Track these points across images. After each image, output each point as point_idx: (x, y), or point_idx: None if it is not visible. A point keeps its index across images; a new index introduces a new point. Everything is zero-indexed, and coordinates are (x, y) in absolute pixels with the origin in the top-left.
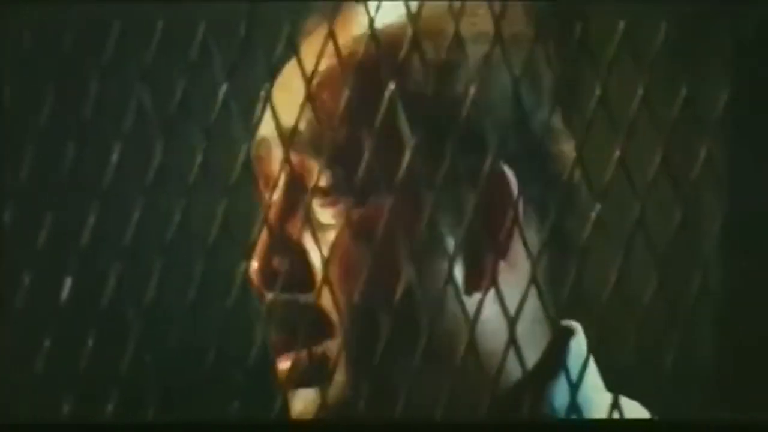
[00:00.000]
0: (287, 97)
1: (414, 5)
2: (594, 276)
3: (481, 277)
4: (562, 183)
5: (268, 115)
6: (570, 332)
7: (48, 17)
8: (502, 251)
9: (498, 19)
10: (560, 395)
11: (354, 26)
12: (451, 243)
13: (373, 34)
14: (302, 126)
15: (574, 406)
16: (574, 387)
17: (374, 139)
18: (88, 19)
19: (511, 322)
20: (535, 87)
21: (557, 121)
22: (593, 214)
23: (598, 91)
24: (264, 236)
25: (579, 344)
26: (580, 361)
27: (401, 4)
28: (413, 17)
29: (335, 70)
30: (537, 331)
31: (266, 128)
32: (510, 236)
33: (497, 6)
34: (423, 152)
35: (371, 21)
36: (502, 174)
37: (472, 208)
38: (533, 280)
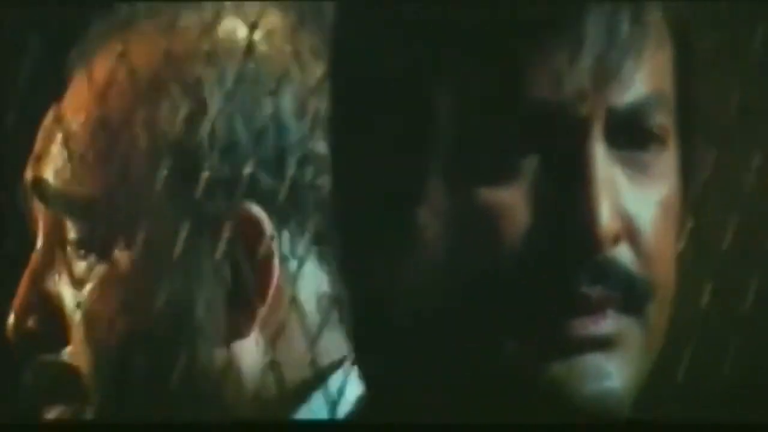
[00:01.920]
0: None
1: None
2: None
3: (240, 323)
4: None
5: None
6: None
7: None
8: (261, 293)
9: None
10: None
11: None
12: (208, 292)
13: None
14: (49, 178)
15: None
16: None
17: (116, 191)
18: None
19: None
20: (300, 116)
21: (323, 147)
22: None
23: None
24: (21, 292)
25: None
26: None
27: None
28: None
29: (82, 118)
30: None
31: (27, 173)
32: (266, 281)
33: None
34: (174, 199)
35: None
36: (251, 215)
37: (222, 253)
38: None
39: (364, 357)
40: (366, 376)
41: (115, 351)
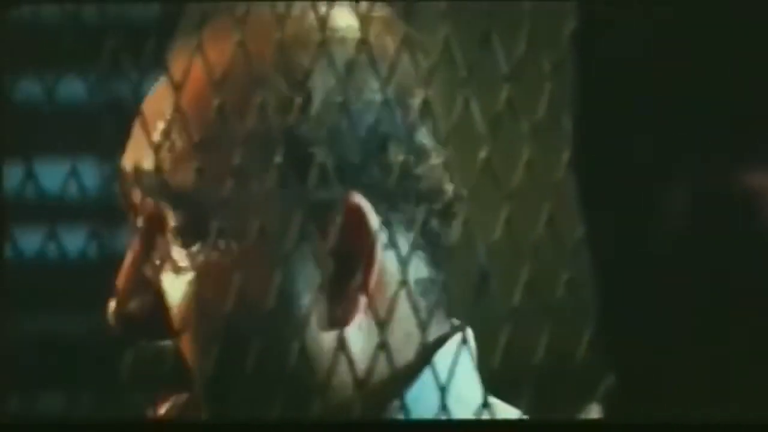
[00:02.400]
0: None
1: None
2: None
3: (342, 312)
4: (437, 197)
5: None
6: (444, 338)
7: None
8: (363, 282)
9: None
10: (412, 398)
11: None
12: (311, 280)
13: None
14: (150, 166)
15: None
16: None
17: (221, 180)
18: None
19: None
20: (404, 107)
21: (425, 137)
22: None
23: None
24: (121, 278)
25: (450, 351)
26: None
27: None
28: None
29: (185, 106)
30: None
31: (125, 161)
32: (369, 268)
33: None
34: (279, 188)
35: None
36: (356, 204)
37: (326, 242)
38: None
39: (612, 342)
40: (614, 363)
41: (218, 339)
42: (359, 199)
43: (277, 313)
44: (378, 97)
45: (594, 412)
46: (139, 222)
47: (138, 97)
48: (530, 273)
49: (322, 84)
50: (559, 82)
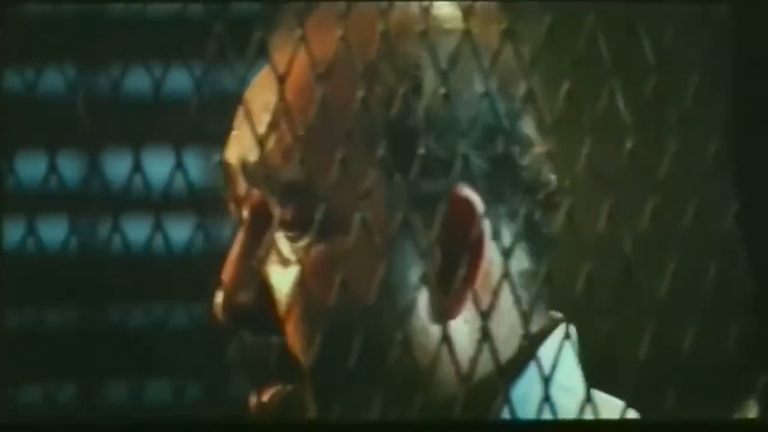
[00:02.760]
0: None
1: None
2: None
3: (450, 305)
4: (540, 187)
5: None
6: (546, 332)
7: None
8: (471, 274)
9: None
10: (517, 393)
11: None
12: (419, 273)
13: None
14: (257, 158)
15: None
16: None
17: (331, 172)
18: None
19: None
20: (507, 97)
21: (528, 128)
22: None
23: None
24: (229, 270)
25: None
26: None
27: None
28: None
29: (292, 99)
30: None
31: (230, 153)
32: (477, 261)
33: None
34: (386, 181)
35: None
36: (463, 196)
37: (435, 235)
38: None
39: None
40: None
41: (327, 332)
42: (467, 191)
43: (385, 306)
44: (483, 88)
45: (749, 411)
46: (245, 214)
47: (242, 89)
48: (678, 265)
49: (430, 75)
50: (708, 73)
